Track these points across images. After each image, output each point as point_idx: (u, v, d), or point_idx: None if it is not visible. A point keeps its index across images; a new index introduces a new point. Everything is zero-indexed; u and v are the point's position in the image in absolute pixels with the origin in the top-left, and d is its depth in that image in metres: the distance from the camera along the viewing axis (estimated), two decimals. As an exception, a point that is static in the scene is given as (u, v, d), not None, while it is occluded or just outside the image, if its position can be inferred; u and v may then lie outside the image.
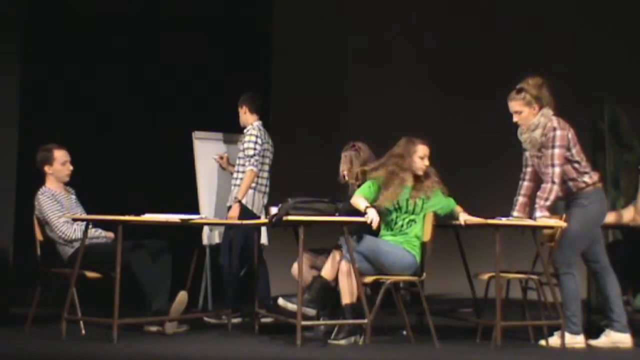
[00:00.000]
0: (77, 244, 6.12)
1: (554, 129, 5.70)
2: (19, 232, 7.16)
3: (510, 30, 9.67)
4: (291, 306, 5.73)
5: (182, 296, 6.07)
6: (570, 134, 5.75)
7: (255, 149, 6.93)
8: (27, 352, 5.39)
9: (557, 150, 5.68)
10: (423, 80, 9.74)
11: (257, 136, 6.97)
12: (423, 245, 5.91)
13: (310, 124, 9.59)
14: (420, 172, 5.94)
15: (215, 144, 7.48)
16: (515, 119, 5.83)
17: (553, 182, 5.66)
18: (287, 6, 9.64)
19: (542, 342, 5.83)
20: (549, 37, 9.61)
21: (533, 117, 5.76)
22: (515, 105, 5.81)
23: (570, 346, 5.71)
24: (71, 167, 6.40)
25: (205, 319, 6.88)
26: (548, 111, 5.76)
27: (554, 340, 5.76)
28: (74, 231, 6.19)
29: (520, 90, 5.80)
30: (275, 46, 9.53)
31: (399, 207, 5.92)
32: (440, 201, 5.96)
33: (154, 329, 6.13)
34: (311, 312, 5.77)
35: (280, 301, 5.78)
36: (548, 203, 5.67)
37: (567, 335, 5.72)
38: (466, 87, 9.53)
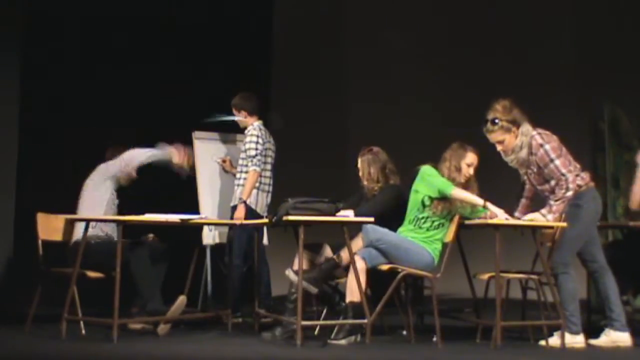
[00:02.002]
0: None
1: (541, 146, 5.72)
2: (19, 232, 7.16)
3: (510, 30, 9.67)
4: (293, 276, 5.71)
5: (182, 300, 6.07)
6: (556, 143, 5.77)
7: (257, 149, 6.94)
8: (27, 352, 5.38)
9: (557, 162, 5.70)
10: (424, 80, 9.73)
11: (258, 136, 6.98)
12: (444, 246, 5.91)
13: (310, 124, 9.58)
14: (463, 180, 5.91)
15: (215, 144, 7.49)
16: (499, 148, 5.82)
17: (567, 189, 5.67)
18: (287, 7, 9.65)
19: (542, 342, 5.83)
20: (549, 37, 9.61)
21: (515, 140, 5.76)
22: (494, 136, 5.79)
23: (570, 346, 5.71)
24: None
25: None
26: (527, 128, 5.76)
27: (554, 340, 5.76)
28: None
29: (494, 121, 5.77)
30: (275, 46, 9.53)
31: (422, 206, 5.92)
32: (472, 213, 5.90)
33: (138, 326, 6.13)
34: (313, 289, 5.74)
35: (288, 272, 5.74)
36: (561, 205, 5.67)
37: (567, 335, 5.72)
38: (467, 87, 9.52)
